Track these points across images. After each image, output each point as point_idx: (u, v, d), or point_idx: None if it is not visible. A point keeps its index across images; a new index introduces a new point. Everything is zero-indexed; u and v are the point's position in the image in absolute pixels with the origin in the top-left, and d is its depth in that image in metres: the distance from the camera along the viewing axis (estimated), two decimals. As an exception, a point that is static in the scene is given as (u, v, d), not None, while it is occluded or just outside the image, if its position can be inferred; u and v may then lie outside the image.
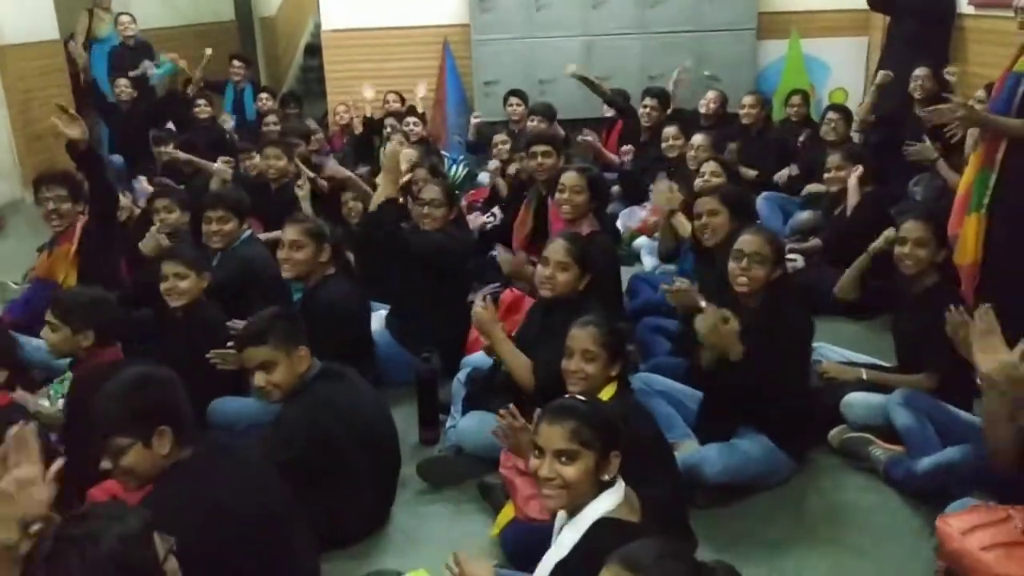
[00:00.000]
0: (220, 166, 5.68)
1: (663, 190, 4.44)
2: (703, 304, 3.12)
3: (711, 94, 6.93)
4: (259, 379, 2.80)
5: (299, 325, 2.91)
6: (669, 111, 6.66)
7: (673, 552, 1.70)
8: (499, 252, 4.61)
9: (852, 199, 4.84)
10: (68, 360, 3.44)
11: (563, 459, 2.11)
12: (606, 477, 2.12)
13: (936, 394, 3.26)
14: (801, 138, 6.43)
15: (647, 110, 6.71)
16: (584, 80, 6.97)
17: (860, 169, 4.90)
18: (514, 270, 4.17)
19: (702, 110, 6.85)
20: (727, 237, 3.63)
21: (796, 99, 6.78)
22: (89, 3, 8.56)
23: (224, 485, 2.25)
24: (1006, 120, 3.68)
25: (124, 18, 8.11)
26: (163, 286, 3.50)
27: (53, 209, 4.31)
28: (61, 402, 3.42)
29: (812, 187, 5.72)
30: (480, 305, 3.29)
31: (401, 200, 4.51)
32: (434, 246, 4.08)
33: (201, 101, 7.47)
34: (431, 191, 4.21)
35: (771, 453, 3.13)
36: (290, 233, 3.66)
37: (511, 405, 2.70)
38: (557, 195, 4.17)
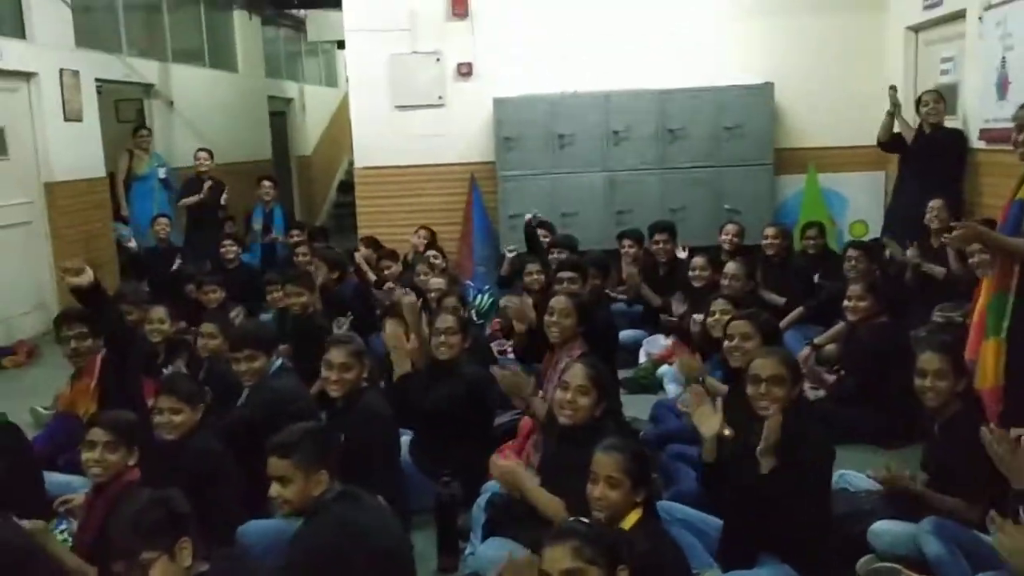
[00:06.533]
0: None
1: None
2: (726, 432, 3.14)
3: (730, 227, 7.05)
4: (273, 489, 2.85)
5: (328, 447, 2.93)
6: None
7: None
8: (496, 371, 4.23)
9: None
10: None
11: None
12: None
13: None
14: (816, 277, 6.41)
15: (659, 245, 6.95)
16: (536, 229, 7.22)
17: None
18: (509, 385, 3.96)
19: (724, 245, 6.94)
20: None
21: (811, 232, 6.82)
22: (130, 144, 9.01)
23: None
24: (1007, 239, 3.76)
25: (202, 154, 8.82)
26: (156, 419, 3.55)
27: (74, 348, 4.42)
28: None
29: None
30: (499, 460, 3.30)
31: None
32: (444, 405, 4.13)
33: (228, 242, 7.75)
34: (445, 320, 4.33)
35: (795, 582, 3.05)
36: (339, 356, 3.78)
37: None
38: (546, 318, 4.37)
